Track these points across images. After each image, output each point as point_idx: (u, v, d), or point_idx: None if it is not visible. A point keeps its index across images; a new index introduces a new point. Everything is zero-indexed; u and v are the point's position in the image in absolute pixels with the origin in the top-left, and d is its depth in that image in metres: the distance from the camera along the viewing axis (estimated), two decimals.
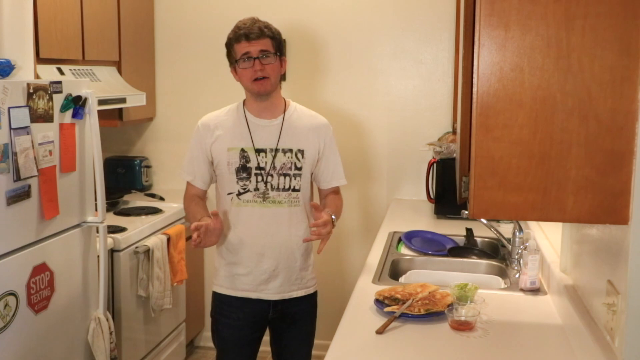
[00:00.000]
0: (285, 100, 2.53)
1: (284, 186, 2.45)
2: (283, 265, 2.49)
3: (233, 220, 2.48)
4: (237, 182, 2.44)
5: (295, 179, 2.46)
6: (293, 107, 2.53)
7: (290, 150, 2.45)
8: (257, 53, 2.37)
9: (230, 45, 2.43)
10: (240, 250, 2.48)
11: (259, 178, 2.43)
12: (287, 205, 2.46)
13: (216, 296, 2.58)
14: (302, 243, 2.49)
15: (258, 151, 2.43)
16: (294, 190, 2.46)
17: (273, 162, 2.43)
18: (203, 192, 2.57)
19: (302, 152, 2.47)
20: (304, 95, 3.94)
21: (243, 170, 2.43)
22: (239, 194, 2.44)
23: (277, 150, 2.44)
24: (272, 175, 2.43)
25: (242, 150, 2.43)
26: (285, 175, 2.44)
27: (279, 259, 2.48)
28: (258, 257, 2.47)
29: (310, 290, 2.58)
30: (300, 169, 2.47)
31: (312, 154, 2.49)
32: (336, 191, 2.62)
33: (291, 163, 2.45)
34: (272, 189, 2.44)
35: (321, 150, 2.52)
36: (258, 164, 2.43)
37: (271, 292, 2.50)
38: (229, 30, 4.41)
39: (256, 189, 2.43)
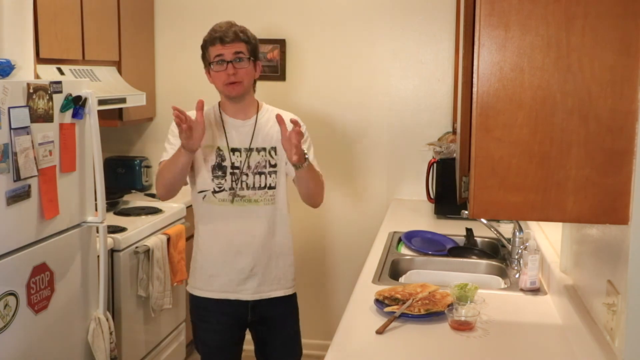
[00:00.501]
0: (258, 102, 2.56)
1: (260, 184, 2.46)
2: (261, 264, 2.49)
3: (207, 219, 2.49)
4: (213, 180, 2.44)
5: (270, 176, 2.48)
6: (265, 109, 2.55)
7: (264, 149, 2.48)
8: (231, 57, 2.39)
9: (205, 47, 2.44)
10: (214, 250, 2.49)
11: (234, 177, 2.45)
12: (264, 204, 2.47)
13: (193, 300, 2.57)
14: (281, 241, 2.51)
15: (233, 150, 2.46)
16: (270, 187, 2.48)
17: (247, 161, 2.45)
18: None
19: (274, 149, 2.49)
20: (303, 96, 3.94)
21: (219, 168, 2.45)
22: (215, 192, 2.45)
23: (250, 149, 2.46)
24: (246, 174, 2.45)
25: (218, 148, 2.45)
26: (260, 173, 2.47)
27: (257, 258, 2.48)
28: (234, 256, 2.47)
29: (290, 291, 2.57)
30: (274, 165, 2.48)
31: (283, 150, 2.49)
32: None
33: (265, 161, 2.47)
34: (247, 187, 2.45)
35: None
36: (232, 163, 2.45)
37: (249, 293, 2.49)
38: None
39: (231, 188, 2.44)
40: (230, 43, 2.38)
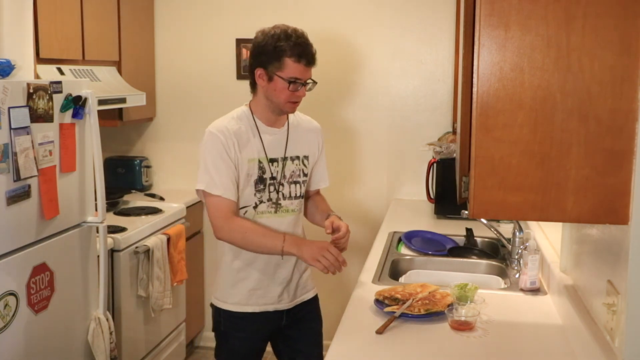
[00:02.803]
0: None
1: (295, 194, 2.41)
2: (298, 273, 2.45)
3: None
4: (255, 195, 2.33)
5: (303, 185, 2.43)
6: (293, 115, 2.47)
7: (298, 157, 2.42)
8: (307, 80, 2.29)
9: (279, 54, 2.23)
10: (256, 264, 2.38)
11: (272, 188, 2.36)
12: (297, 213, 2.44)
13: (225, 312, 2.43)
14: None
15: (271, 161, 2.36)
16: (302, 197, 2.45)
17: (283, 170, 2.38)
18: (237, 207, 2.32)
19: (307, 157, 2.45)
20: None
21: (260, 181, 2.33)
22: (255, 206, 2.34)
23: (285, 158, 2.39)
24: (282, 184, 2.38)
25: (259, 161, 2.33)
26: (295, 182, 2.41)
27: (293, 267, 2.43)
28: (274, 269, 2.39)
29: (315, 292, 2.56)
30: (306, 175, 2.45)
31: (313, 158, 2.49)
32: (318, 192, 2.61)
33: (299, 170, 2.42)
34: (284, 197, 2.38)
35: (317, 153, 2.51)
36: (271, 174, 2.35)
37: (287, 302, 2.44)
38: (229, 29, 4.41)
39: (269, 199, 2.36)
40: (311, 66, 2.29)
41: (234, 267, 2.39)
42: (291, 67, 2.24)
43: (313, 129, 2.52)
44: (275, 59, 2.24)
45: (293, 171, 2.40)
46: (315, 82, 2.32)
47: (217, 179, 2.25)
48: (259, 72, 2.29)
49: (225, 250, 2.40)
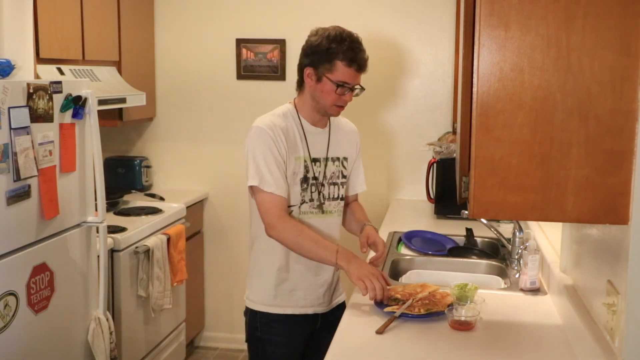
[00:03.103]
0: None
1: (334, 195, 2.38)
2: (336, 276, 2.42)
3: None
4: (301, 193, 2.30)
5: (342, 187, 2.41)
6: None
7: (338, 159, 2.40)
8: (356, 85, 2.27)
9: (332, 55, 2.21)
10: (299, 265, 2.32)
11: (313, 188, 2.33)
12: (337, 215, 2.41)
13: (263, 315, 2.36)
14: None
15: (314, 160, 2.33)
16: (341, 199, 2.42)
17: (325, 171, 2.35)
18: (287, 204, 2.27)
19: (346, 159, 2.43)
20: None
21: (304, 180, 2.30)
22: (301, 205, 2.31)
23: (327, 159, 2.36)
24: (324, 185, 2.35)
25: (304, 159, 2.31)
26: (334, 184, 2.38)
27: (334, 271, 2.40)
28: (316, 271, 2.35)
29: (345, 296, 2.53)
30: (345, 177, 2.43)
31: (352, 160, 2.47)
32: (355, 197, 2.59)
33: (339, 171, 2.39)
34: (324, 198, 2.36)
35: (355, 155, 2.49)
36: (314, 174, 2.32)
37: (325, 305, 2.41)
38: (229, 29, 4.41)
39: (311, 200, 2.32)
40: (361, 72, 2.28)
41: (274, 267, 2.33)
42: (341, 70, 2.22)
43: (352, 130, 2.50)
44: (327, 60, 2.22)
45: (333, 172, 2.38)
46: (363, 89, 2.30)
47: (269, 175, 2.20)
48: (308, 71, 2.26)
49: (262, 248, 2.34)
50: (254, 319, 2.38)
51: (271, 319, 2.35)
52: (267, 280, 2.34)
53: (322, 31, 2.26)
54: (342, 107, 2.29)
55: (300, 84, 2.33)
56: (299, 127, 2.31)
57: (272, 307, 2.35)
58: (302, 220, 2.30)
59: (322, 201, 2.35)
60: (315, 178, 2.33)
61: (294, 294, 2.34)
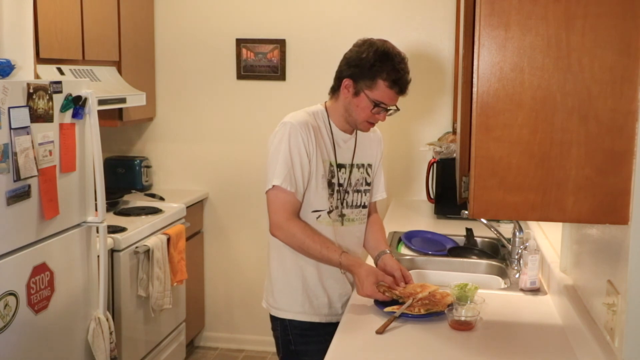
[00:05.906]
0: None
1: (357, 203, 2.33)
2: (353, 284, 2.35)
3: None
4: (328, 199, 2.23)
5: (365, 195, 2.37)
6: None
7: (363, 166, 2.35)
8: (391, 106, 2.23)
9: (375, 73, 2.14)
10: (326, 272, 2.27)
11: (338, 195, 2.27)
12: (359, 223, 2.36)
13: (296, 326, 2.27)
14: None
15: (339, 166, 2.27)
16: (364, 207, 2.37)
17: (349, 178, 2.30)
18: (299, 208, 2.21)
19: (370, 166, 2.38)
20: (304, 96, 3.93)
21: (329, 185, 2.24)
22: (329, 211, 2.24)
23: (352, 165, 2.31)
24: (348, 192, 2.30)
25: (330, 164, 2.25)
26: (357, 191, 2.33)
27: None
28: (343, 279, 2.30)
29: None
30: (369, 184, 2.38)
31: (375, 167, 2.42)
32: (374, 206, 2.52)
33: (363, 178, 2.35)
34: (348, 206, 2.31)
35: (378, 162, 2.44)
36: (338, 180, 2.27)
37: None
38: (229, 30, 4.40)
39: (336, 207, 2.27)
40: (401, 95, 2.22)
41: (298, 275, 2.26)
42: (382, 90, 2.16)
43: (376, 137, 2.45)
44: (369, 77, 2.15)
45: (358, 179, 2.33)
46: (398, 109, 2.24)
47: (291, 175, 2.14)
48: (347, 82, 2.19)
49: (289, 255, 2.25)
50: (285, 331, 2.29)
51: (304, 327, 2.27)
52: (291, 287, 2.26)
53: (370, 43, 2.20)
54: (372, 125, 2.26)
55: (335, 90, 2.27)
56: (328, 130, 2.26)
57: (303, 315, 2.27)
58: (328, 227, 2.24)
59: (345, 209, 2.30)
60: (340, 184, 2.27)
61: (319, 301, 2.28)
